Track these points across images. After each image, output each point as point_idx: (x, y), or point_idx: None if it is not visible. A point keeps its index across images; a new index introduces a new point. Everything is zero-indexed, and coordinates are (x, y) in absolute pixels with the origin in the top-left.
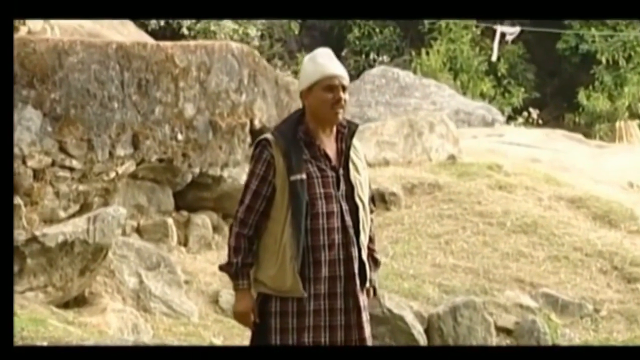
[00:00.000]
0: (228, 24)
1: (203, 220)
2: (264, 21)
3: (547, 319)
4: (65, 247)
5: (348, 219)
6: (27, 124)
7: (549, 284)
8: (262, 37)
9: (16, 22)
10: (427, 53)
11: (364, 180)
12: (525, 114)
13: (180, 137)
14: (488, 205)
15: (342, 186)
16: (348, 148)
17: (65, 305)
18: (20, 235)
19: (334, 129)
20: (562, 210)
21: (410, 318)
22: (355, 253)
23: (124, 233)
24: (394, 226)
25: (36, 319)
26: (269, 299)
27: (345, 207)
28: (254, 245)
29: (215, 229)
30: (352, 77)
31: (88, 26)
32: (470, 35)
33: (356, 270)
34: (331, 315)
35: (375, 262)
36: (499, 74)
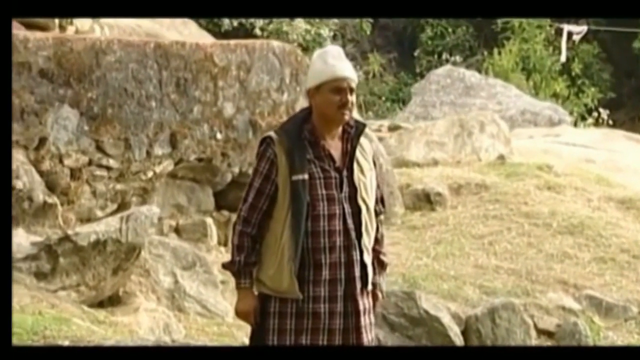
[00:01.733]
0: (301, 25)
1: None
2: (336, 21)
3: (590, 321)
4: (98, 246)
5: (350, 221)
6: (64, 123)
7: (594, 285)
8: (334, 37)
9: (63, 22)
10: (499, 53)
11: (369, 182)
12: (595, 114)
13: (219, 136)
14: (535, 205)
15: (346, 188)
16: (354, 149)
17: (100, 304)
18: (54, 234)
19: (341, 129)
20: (611, 211)
21: (447, 319)
22: (356, 256)
23: (161, 233)
24: (438, 227)
25: (60, 318)
26: (269, 299)
27: (348, 209)
28: (257, 244)
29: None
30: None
31: (146, 26)
32: (544, 34)
33: (357, 274)
34: (330, 318)
35: (382, 265)
36: (573, 74)
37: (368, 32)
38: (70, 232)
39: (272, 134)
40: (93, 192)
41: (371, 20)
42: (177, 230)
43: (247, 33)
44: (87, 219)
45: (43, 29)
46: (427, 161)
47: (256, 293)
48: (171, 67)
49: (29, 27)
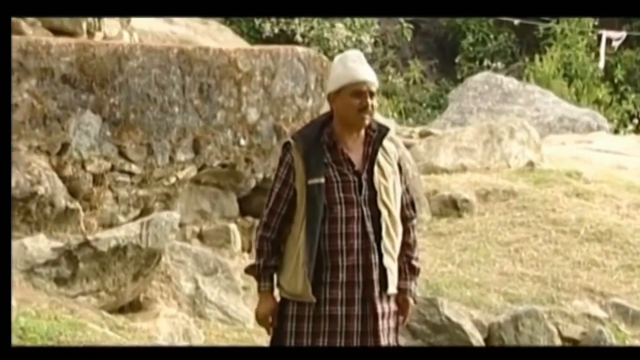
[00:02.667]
0: (341, 31)
1: None
2: (377, 27)
3: (616, 329)
4: (118, 252)
5: (369, 224)
6: (86, 128)
7: (621, 293)
8: (375, 44)
9: (91, 28)
10: (541, 59)
11: (391, 186)
12: (636, 121)
13: (243, 142)
14: (562, 212)
15: (365, 191)
16: (375, 152)
17: (120, 310)
18: (74, 240)
19: (362, 132)
20: None
21: (469, 327)
22: (375, 259)
23: (184, 238)
24: (464, 233)
25: (76, 323)
26: (287, 303)
27: (367, 212)
28: (278, 248)
29: None
30: None
31: (181, 32)
32: (586, 40)
33: (376, 277)
34: (347, 320)
35: (413, 270)
36: (616, 80)
37: (409, 39)
38: (90, 237)
39: (289, 138)
40: (115, 197)
41: (412, 26)
42: (201, 236)
43: (287, 39)
44: (110, 224)
45: (71, 34)
46: (455, 167)
47: (278, 298)
48: (194, 72)
49: (57, 32)
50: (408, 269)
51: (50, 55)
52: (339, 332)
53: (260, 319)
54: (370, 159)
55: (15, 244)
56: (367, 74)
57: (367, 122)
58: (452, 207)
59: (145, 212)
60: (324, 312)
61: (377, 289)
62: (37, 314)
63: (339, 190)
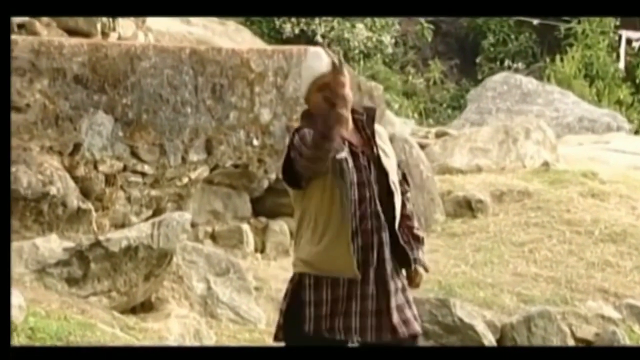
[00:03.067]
0: (362, 32)
1: (280, 227)
2: (398, 28)
3: (630, 330)
4: (129, 252)
5: (379, 203)
6: (99, 128)
7: (635, 294)
8: (396, 44)
9: (105, 28)
10: (562, 59)
11: (393, 165)
12: None
13: (255, 142)
14: (577, 213)
15: (374, 171)
16: (373, 133)
17: (132, 310)
18: (85, 240)
19: (351, 119)
20: None
21: (481, 327)
22: (386, 238)
23: (196, 239)
24: (479, 234)
25: (86, 323)
26: (303, 285)
27: (377, 192)
28: None
29: (293, 235)
30: None
31: (198, 33)
32: (607, 41)
33: (387, 256)
34: (362, 300)
35: (417, 239)
36: (637, 81)
37: (429, 39)
38: (101, 237)
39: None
40: (128, 198)
41: (432, 27)
42: (213, 237)
43: (308, 40)
44: (122, 224)
45: (85, 35)
46: (470, 168)
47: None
48: (207, 73)
49: (72, 33)
50: (412, 239)
51: (63, 56)
52: (354, 312)
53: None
54: (371, 141)
55: (26, 244)
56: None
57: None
58: (467, 207)
59: (157, 212)
60: (342, 293)
61: (389, 268)
62: (46, 314)
63: (350, 172)
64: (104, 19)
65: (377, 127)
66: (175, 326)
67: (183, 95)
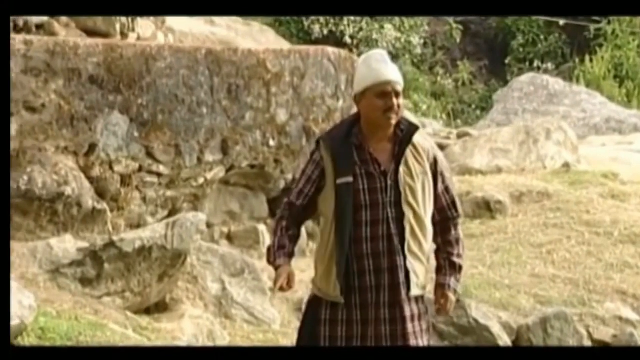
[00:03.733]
0: (390, 32)
1: None
2: (427, 29)
3: None
4: (143, 253)
5: (393, 227)
6: (114, 129)
7: None
8: (424, 45)
9: (124, 29)
10: (591, 60)
11: (419, 186)
12: None
13: (272, 143)
14: (597, 214)
15: (391, 192)
16: (402, 152)
17: (146, 311)
18: (99, 240)
19: (391, 132)
20: None
21: (496, 329)
22: (400, 262)
23: (212, 239)
24: (497, 235)
25: (97, 324)
26: (320, 304)
27: (392, 214)
28: (293, 234)
29: (310, 236)
30: None
31: (221, 34)
32: (637, 41)
33: (402, 280)
34: (377, 324)
35: (454, 267)
36: None
37: (458, 40)
38: (115, 238)
39: (319, 138)
40: (143, 198)
41: (461, 27)
42: (229, 237)
43: (337, 41)
44: (138, 225)
45: (104, 35)
46: (490, 169)
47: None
48: (223, 73)
49: (90, 33)
50: (448, 265)
51: (78, 56)
52: (369, 336)
53: (276, 278)
54: (396, 159)
55: (41, 244)
56: (392, 74)
57: (393, 122)
58: (485, 208)
59: (173, 213)
60: (356, 316)
61: (403, 292)
62: (57, 314)
63: (364, 192)
64: (123, 19)
65: (422, 144)
66: (188, 327)
67: (199, 95)
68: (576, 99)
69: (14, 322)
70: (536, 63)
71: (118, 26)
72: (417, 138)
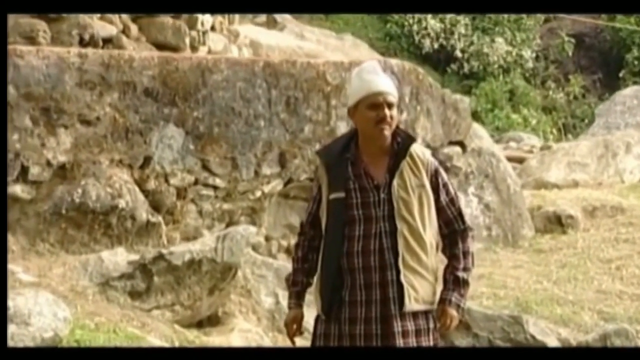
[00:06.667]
0: (501, 46)
1: None
2: (539, 42)
3: None
4: (193, 266)
5: (386, 241)
6: (169, 142)
7: None
8: (536, 58)
9: (195, 42)
10: None
11: (414, 199)
12: None
13: None
14: None
15: (384, 206)
16: (397, 165)
17: (198, 324)
18: (149, 253)
19: (387, 144)
20: None
21: (553, 345)
22: (392, 276)
23: (269, 253)
24: (566, 250)
25: (133, 336)
26: (317, 320)
27: (385, 228)
28: (308, 265)
29: None
30: None
31: (309, 48)
32: None
33: (392, 295)
34: (366, 340)
35: (457, 281)
36: None
37: (570, 53)
38: (164, 251)
39: (316, 151)
40: (199, 211)
41: (573, 40)
42: (289, 251)
43: (447, 55)
44: (194, 238)
45: (174, 49)
46: (567, 183)
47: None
48: (281, 85)
49: (160, 47)
50: (452, 280)
51: (133, 69)
52: None
53: (286, 328)
54: (391, 172)
55: (92, 257)
56: (383, 85)
57: (386, 133)
58: (557, 223)
59: (230, 226)
60: (345, 330)
61: (393, 307)
62: (95, 327)
63: (358, 207)
64: (193, 34)
65: (421, 157)
66: (236, 340)
67: (256, 108)
68: None
69: (48, 334)
70: None
71: (188, 40)
72: (415, 150)
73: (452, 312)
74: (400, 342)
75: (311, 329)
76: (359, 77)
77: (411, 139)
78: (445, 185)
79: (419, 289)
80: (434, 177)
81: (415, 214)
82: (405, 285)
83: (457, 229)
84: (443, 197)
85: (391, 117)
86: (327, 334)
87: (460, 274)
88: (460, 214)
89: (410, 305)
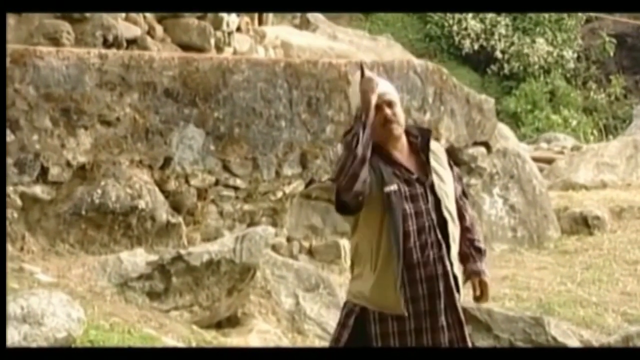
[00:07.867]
0: (542, 47)
1: None
2: (580, 42)
3: None
4: (212, 266)
5: (439, 232)
6: (190, 142)
7: None
8: (578, 59)
9: (220, 43)
10: None
11: (450, 190)
12: None
13: None
14: None
15: (431, 198)
16: (427, 158)
17: (218, 325)
18: (167, 254)
19: (404, 141)
20: None
21: (575, 347)
22: (449, 267)
23: (291, 254)
24: (591, 251)
25: (147, 337)
26: (366, 320)
27: (435, 220)
28: None
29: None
30: None
31: (341, 48)
32: None
33: (453, 285)
34: (433, 333)
35: (479, 251)
36: None
37: (612, 54)
38: (182, 251)
39: None
40: (220, 212)
41: (615, 40)
42: (310, 252)
43: (487, 55)
44: (215, 239)
45: (199, 50)
46: (595, 184)
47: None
48: (302, 86)
49: (185, 48)
50: (474, 251)
51: (153, 70)
52: (426, 345)
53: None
54: (423, 166)
55: (111, 258)
56: (380, 86)
57: (396, 132)
58: (583, 224)
59: (252, 226)
60: (409, 326)
61: (456, 296)
62: (110, 327)
63: (407, 201)
64: (219, 34)
65: (435, 146)
66: (255, 341)
67: (277, 108)
68: None
69: (61, 334)
70: None
71: (213, 40)
72: (433, 142)
73: (489, 281)
74: (466, 331)
75: (330, 329)
76: (355, 87)
77: (428, 132)
78: (452, 166)
79: (460, 281)
80: (449, 164)
81: (453, 204)
82: (458, 275)
83: (462, 203)
84: (456, 177)
85: (394, 115)
86: (385, 333)
87: (479, 244)
88: (463, 189)
89: (460, 296)
